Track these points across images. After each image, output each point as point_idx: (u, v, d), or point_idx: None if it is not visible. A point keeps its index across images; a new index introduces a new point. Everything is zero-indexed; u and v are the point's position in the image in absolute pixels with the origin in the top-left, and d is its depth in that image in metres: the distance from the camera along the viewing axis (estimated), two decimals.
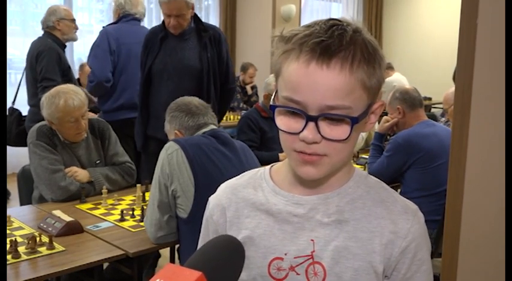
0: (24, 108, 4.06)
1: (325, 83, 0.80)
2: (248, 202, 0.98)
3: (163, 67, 3.15)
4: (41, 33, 3.92)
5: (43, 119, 2.58)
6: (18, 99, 4.26)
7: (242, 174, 1.04)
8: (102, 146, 2.70)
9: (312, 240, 0.91)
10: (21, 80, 4.20)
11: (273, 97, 0.88)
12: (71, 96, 2.49)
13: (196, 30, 3.16)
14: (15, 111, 4.00)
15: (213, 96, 3.13)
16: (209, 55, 3.14)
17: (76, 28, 3.96)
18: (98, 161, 2.67)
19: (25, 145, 3.99)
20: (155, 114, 3.20)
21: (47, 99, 2.50)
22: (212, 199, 1.04)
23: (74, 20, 3.93)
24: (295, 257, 0.91)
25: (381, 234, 0.90)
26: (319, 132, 0.83)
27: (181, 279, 0.61)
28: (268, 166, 1.02)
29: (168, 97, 3.17)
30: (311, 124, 0.82)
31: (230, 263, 0.70)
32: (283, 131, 0.86)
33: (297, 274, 0.91)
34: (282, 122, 0.86)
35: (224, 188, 1.03)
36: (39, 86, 3.64)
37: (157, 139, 3.22)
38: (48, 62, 3.66)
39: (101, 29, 3.82)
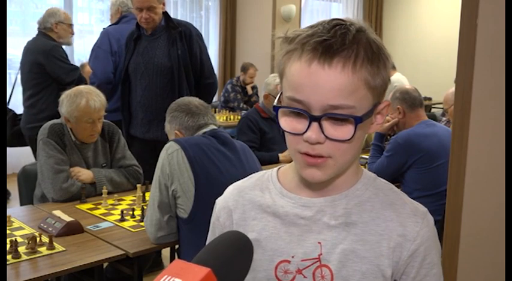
0: (18, 109, 4.05)
1: (327, 82, 0.80)
2: (255, 204, 0.96)
3: (136, 67, 3.26)
4: None
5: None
6: (12, 100, 4.26)
7: (249, 176, 1.03)
8: (110, 149, 2.71)
9: (319, 243, 0.90)
10: (15, 80, 4.19)
11: (277, 99, 0.87)
12: (93, 97, 2.51)
13: (166, 28, 3.23)
14: (9, 112, 3.99)
15: (186, 92, 3.17)
16: (179, 52, 3.18)
17: (72, 33, 3.96)
18: (104, 164, 2.68)
19: (20, 145, 4.02)
20: (134, 114, 3.33)
21: (68, 97, 2.51)
22: (219, 201, 1.02)
23: (71, 25, 3.94)
24: (302, 260, 0.90)
25: (389, 237, 0.89)
26: (323, 133, 0.81)
27: (189, 275, 0.59)
28: (276, 168, 1.00)
29: (142, 96, 3.27)
30: (314, 124, 0.81)
31: (239, 260, 0.69)
32: (287, 132, 0.85)
33: (304, 277, 0.90)
34: (286, 123, 0.85)
35: (231, 190, 1.02)
36: (71, 80, 3.67)
37: (138, 138, 3.28)
38: (63, 56, 3.72)
39: (102, 30, 3.82)
